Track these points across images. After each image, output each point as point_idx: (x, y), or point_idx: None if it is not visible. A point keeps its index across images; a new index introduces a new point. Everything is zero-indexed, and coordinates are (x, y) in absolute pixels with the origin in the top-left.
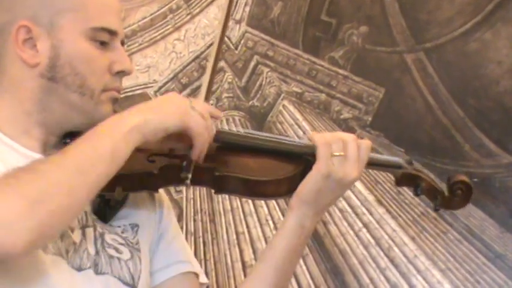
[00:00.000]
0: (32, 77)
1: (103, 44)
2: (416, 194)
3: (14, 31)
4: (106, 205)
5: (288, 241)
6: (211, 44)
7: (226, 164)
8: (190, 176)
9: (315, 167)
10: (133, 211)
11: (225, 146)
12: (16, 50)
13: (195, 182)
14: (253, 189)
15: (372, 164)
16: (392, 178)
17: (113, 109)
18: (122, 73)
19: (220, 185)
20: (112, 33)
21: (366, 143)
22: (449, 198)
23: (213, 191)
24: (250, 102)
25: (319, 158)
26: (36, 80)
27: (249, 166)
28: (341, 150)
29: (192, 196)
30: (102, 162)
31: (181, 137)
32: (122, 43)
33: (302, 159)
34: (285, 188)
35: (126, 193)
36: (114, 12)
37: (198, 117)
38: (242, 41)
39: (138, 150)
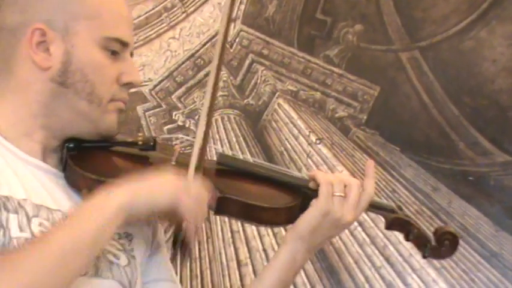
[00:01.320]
0: (42, 80)
1: (114, 54)
2: (407, 239)
3: (29, 33)
4: None
5: (279, 273)
6: (206, 43)
7: (228, 186)
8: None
9: (314, 204)
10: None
11: (228, 169)
12: (29, 52)
13: None
14: (252, 214)
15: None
16: (383, 220)
17: (118, 119)
18: (129, 85)
19: (221, 206)
20: (124, 44)
21: (369, 191)
22: (436, 247)
23: (212, 212)
24: (245, 101)
25: (320, 194)
26: (46, 84)
27: (250, 191)
28: (342, 192)
29: None
30: (85, 248)
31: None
32: (131, 54)
33: (301, 192)
34: (283, 217)
35: None
36: (127, 23)
37: (191, 202)
38: (237, 40)
39: (139, 162)
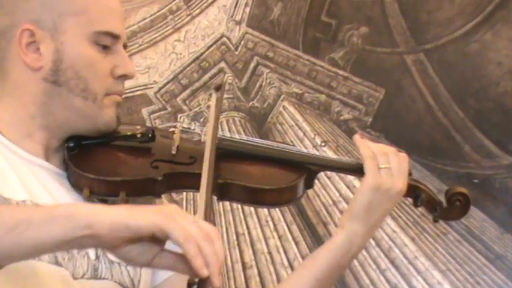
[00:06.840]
0: (35, 80)
1: (105, 48)
2: (416, 205)
3: (18, 34)
4: None
5: (334, 256)
6: (211, 45)
7: (228, 171)
8: None
9: (364, 181)
10: None
11: (227, 153)
12: (19, 53)
13: (198, 189)
14: (255, 197)
15: None
16: None
17: (116, 113)
18: (124, 77)
19: (223, 192)
20: (115, 37)
21: (404, 155)
22: (447, 209)
23: (215, 198)
24: (250, 103)
25: (367, 171)
26: (40, 84)
27: (251, 174)
28: (386, 163)
29: (192, 197)
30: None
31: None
32: (124, 46)
33: (304, 168)
34: (286, 197)
35: (128, 198)
36: (116, 15)
37: (188, 223)
38: (242, 42)
39: (140, 155)
